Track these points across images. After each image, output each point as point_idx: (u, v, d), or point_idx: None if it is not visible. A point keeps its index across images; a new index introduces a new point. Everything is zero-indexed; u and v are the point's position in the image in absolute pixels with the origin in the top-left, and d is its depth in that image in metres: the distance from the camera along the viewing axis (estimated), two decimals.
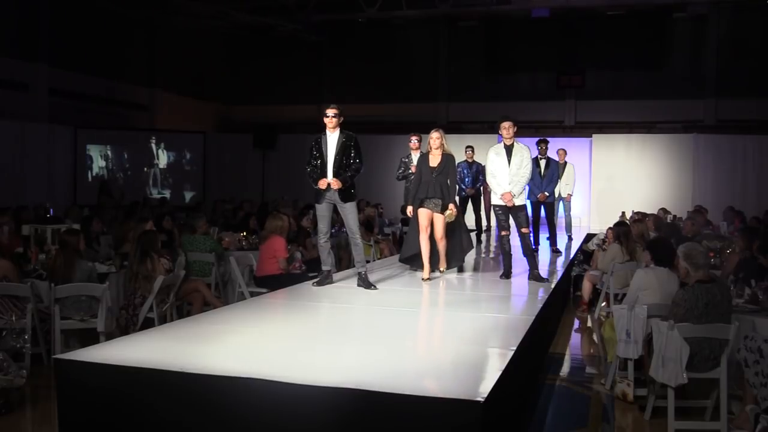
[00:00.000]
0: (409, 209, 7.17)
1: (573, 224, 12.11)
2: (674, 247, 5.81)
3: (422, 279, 6.86)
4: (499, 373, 3.63)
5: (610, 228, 9.79)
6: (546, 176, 9.76)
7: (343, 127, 6.34)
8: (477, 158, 10.79)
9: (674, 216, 12.50)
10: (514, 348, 4.17)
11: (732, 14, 17.77)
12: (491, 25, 19.19)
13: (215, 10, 16.73)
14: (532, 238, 7.68)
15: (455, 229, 7.22)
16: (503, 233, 7.01)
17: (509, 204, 6.79)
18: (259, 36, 19.50)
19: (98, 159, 16.72)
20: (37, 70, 15.08)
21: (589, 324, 8.66)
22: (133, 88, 18.07)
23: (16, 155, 14.21)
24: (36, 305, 6.15)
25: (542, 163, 9.82)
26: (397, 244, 11.12)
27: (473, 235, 11.18)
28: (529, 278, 7.01)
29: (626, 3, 16.75)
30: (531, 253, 7.05)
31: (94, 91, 16.69)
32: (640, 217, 10.56)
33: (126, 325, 6.53)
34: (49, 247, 7.72)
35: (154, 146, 17.63)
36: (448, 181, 6.87)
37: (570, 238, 11.44)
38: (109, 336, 5.90)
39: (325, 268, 6.56)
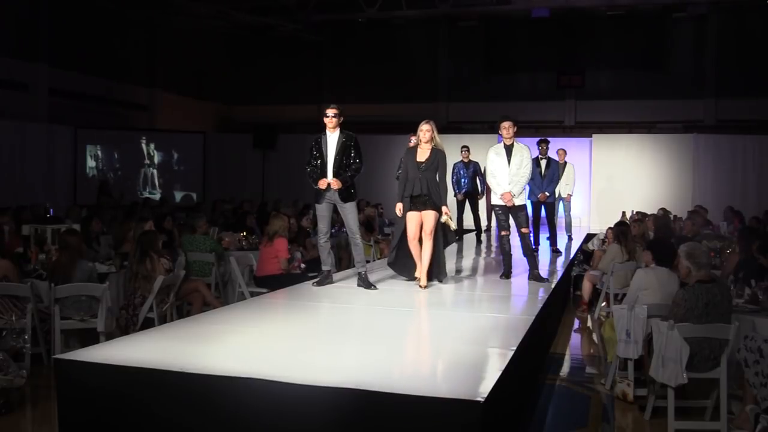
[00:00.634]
0: (399, 206, 6.52)
1: (573, 224, 12.11)
2: (675, 247, 5.82)
3: (420, 287, 6.39)
4: (499, 373, 3.63)
5: (610, 228, 9.80)
6: (546, 176, 9.76)
7: (343, 127, 6.34)
8: (477, 158, 10.76)
9: (674, 216, 12.49)
10: (514, 348, 4.17)
11: (732, 14, 17.76)
12: (491, 25, 19.18)
13: (215, 10, 16.72)
14: (532, 238, 7.67)
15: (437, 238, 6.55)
16: (503, 233, 7.00)
17: (509, 204, 6.78)
18: (259, 36, 19.50)
19: (89, 159, 16.72)
20: (37, 70, 15.08)
21: (589, 324, 8.66)
22: (133, 88, 18.06)
23: (16, 155, 14.21)
24: (36, 305, 6.15)
25: (543, 163, 9.82)
26: None
27: (473, 235, 11.23)
28: (529, 278, 7.01)
29: (626, 3, 16.75)
30: (531, 253, 7.04)
31: (93, 91, 16.68)
32: (640, 217, 10.57)
33: (126, 325, 6.54)
34: (49, 247, 7.72)
35: (144, 146, 17.59)
36: (437, 178, 6.40)
37: (570, 238, 11.45)
38: (109, 336, 5.90)
39: (325, 268, 6.56)
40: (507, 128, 6.82)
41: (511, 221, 6.91)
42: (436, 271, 6.63)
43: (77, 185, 16.08)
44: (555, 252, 9.73)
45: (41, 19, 15.19)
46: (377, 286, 6.41)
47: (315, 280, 6.64)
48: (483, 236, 11.47)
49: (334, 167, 6.25)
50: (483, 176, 10.38)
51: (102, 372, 3.71)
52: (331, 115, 6.25)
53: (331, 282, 6.55)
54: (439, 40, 19.95)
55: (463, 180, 10.72)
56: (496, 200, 6.93)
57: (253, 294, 7.39)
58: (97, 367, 3.74)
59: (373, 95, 19.51)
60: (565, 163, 11.23)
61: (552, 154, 10.26)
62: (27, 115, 14.76)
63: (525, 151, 6.86)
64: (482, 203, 11.61)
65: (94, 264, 6.97)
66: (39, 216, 10.99)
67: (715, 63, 18.10)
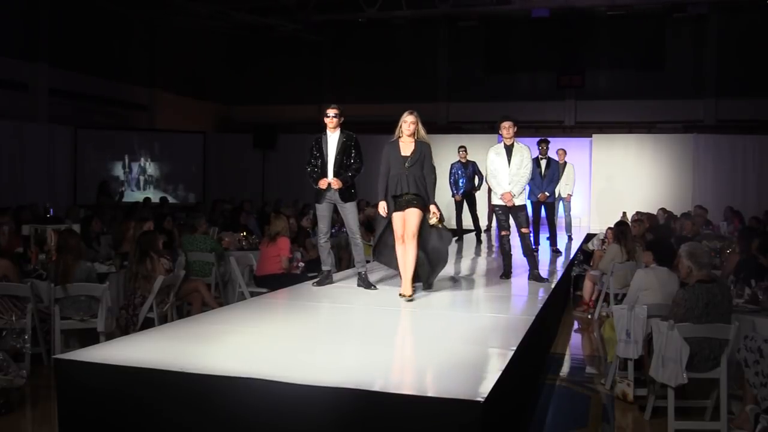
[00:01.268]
0: (382, 205, 5.99)
1: (573, 224, 12.12)
2: (675, 247, 5.82)
3: (400, 295, 5.77)
4: (499, 373, 3.63)
5: (610, 228, 9.81)
6: (546, 176, 9.76)
7: (343, 127, 6.35)
8: (477, 159, 10.75)
9: (680, 215, 12.47)
10: (514, 348, 4.17)
11: (732, 14, 17.76)
12: (491, 25, 19.18)
13: (215, 10, 16.72)
14: (532, 238, 7.67)
15: (429, 238, 6.05)
16: (503, 233, 7.00)
17: (509, 204, 6.78)
18: (260, 36, 19.50)
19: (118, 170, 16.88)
20: (37, 70, 15.08)
21: (589, 324, 8.67)
22: (133, 88, 18.06)
23: (16, 155, 14.21)
24: (36, 305, 6.15)
25: (543, 163, 9.82)
26: None
27: (473, 235, 11.23)
28: (529, 278, 7.01)
29: (626, 3, 16.74)
30: (531, 253, 7.04)
31: (94, 91, 16.69)
32: (640, 217, 10.57)
33: (126, 325, 6.54)
34: (49, 247, 7.71)
35: (144, 146, 17.61)
36: (424, 174, 5.92)
37: (570, 238, 11.45)
38: (109, 336, 5.90)
39: (325, 268, 6.56)
40: (507, 128, 6.81)
41: (511, 221, 6.91)
42: (426, 274, 6.16)
43: (77, 185, 16.09)
44: (555, 252, 9.73)
45: (41, 19, 15.19)
46: (377, 286, 6.40)
47: (315, 280, 6.64)
48: (483, 236, 11.48)
49: (334, 167, 6.26)
50: (481, 175, 10.39)
51: (102, 372, 3.71)
52: (331, 115, 6.25)
53: (331, 282, 6.55)
54: (439, 40, 19.95)
55: (461, 180, 10.72)
56: (496, 200, 6.92)
57: (253, 294, 7.39)
58: (97, 367, 3.74)
59: (373, 95, 19.51)
60: (565, 163, 11.24)
61: (552, 154, 10.26)
62: (27, 115, 14.76)
63: (525, 151, 6.86)
64: (481, 203, 11.62)
65: (93, 264, 6.97)
66: (39, 216, 11.00)
67: (715, 63, 18.10)
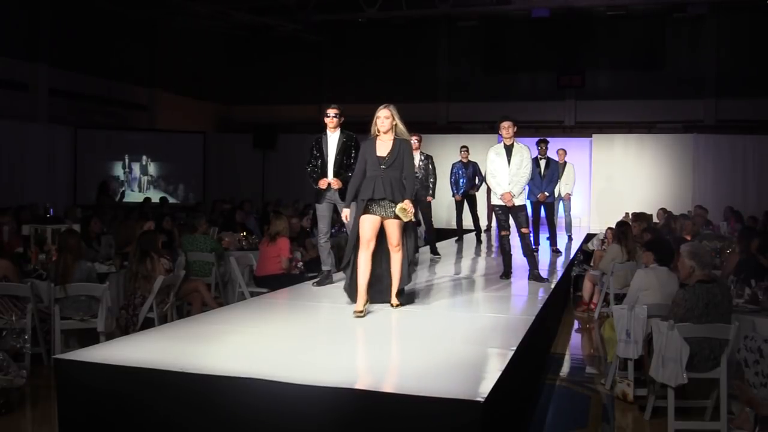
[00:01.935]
0: (345, 212, 5.54)
1: (573, 224, 12.12)
2: (674, 247, 5.82)
3: (354, 313, 5.06)
4: (499, 373, 3.63)
5: (610, 228, 9.81)
6: (546, 176, 9.76)
7: (343, 127, 6.35)
8: (477, 159, 10.75)
9: (680, 215, 12.46)
10: (514, 348, 4.17)
11: (732, 14, 17.77)
12: (491, 25, 19.18)
13: (215, 10, 16.72)
14: (532, 238, 7.67)
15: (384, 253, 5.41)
16: (503, 233, 7.00)
17: (509, 204, 6.78)
18: (259, 36, 19.49)
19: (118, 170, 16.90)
20: (37, 70, 15.08)
21: (589, 324, 8.67)
22: (133, 88, 18.06)
23: (16, 155, 14.21)
24: (36, 305, 6.15)
25: (542, 163, 9.82)
26: None
27: (473, 235, 11.23)
28: (529, 278, 7.00)
29: (626, 3, 16.75)
30: (531, 253, 7.04)
31: (93, 91, 16.68)
32: (638, 218, 10.56)
33: (126, 325, 6.54)
34: (49, 247, 7.72)
35: (144, 146, 17.65)
36: (403, 178, 5.29)
37: (570, 238, 11.45)
38: (109, 336, 5.90)
39: (325, 268, 6.56)
40: (507, 128, 6.80)
41: (511, 221, 6.90)
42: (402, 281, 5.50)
43: (77, 185, 16.09)
44: (555, 252, 9.73)
45: (41, 19, 15.19)
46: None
47: (315, 280, 6.64)
48: (483, 236, 11.48)
49: (334, 167, 6.26)
50: (482, 176, 10.38)
51: (102, 372, 3.71)
52: (331, 115, 6.25)
53: (331, 282, 6.54)
54: (439, 40, 19.94)
55: (461, 180, 10.72)
56: (496, 200, 6.92)
57: (253, 294, 7.39)
58: (97, 367, 3.74)
59: (373, 95, 19.37)
60: (565, 162, 11.25)
61: (551, 154, 10.27)
62: (27, 115, 14.76)
63: (525, 151, 6.86)
64: (481, 203, 11.62)
65: (93, 264, 6.97)
66: (39, 216, 11.01)
67: (715, 63, 18.09)
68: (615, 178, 16.03)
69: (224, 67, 21.05)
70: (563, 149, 11.47)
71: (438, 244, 9.21)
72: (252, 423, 3.48)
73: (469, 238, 11.15)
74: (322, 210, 6.40)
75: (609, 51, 18.70)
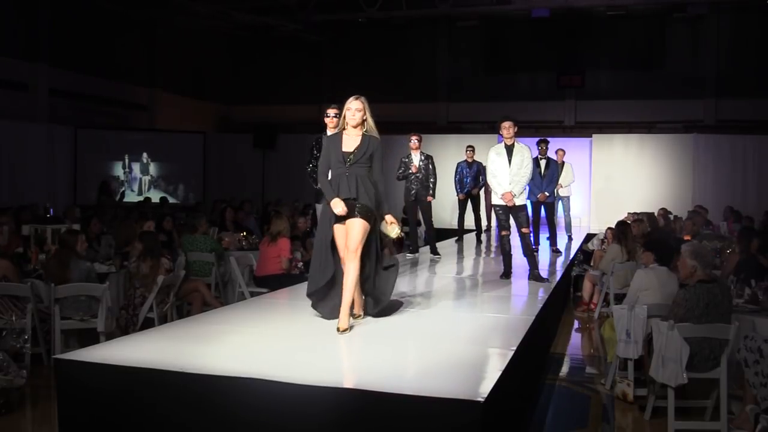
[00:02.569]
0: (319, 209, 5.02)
1: (573, 224, 12.12)
2: (674, 247, 5.82)
3: (338, 329, 4.55)
4: (499, 373, 3.63)
5: (610, 228, 9.81)
6: (546, 176, 9.76)
7: None
8: (477, 159, 10.75)
9: (674, 216, 12.48)
10: (514, 348, 4.17)
11: (732, 14, 17.77)
12: (491, 25, 19.18)
13: (215, 10, 16.72)
14: (532, 238, 7.68)
15: (369, 250, 4.88)
16: (503, 233, 7.00)
17: (510, 204, 6.78)
18: (260, 36, 19.49)
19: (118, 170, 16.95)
20: (37, 70, 15.09)
21: (589, 324, 8.67)
22: (133, 88, 18.06)
23: (16, 155, 14.21)
24: (36, 305, 6.15)
25: (542, 163, 9.82)
26: (397, 245, 11.11)
27: (473, 235, 11.23)
28: (529, 278, 7.01)
29: (626, 3, 16.75)
30: (531, 253, 7.04)
31: (93, 91, 16.69)
32: (639, 217, 10.57)
33: (126, 325, 6.54)
34: (49, 247, 7.72)
35: (144, 145, 17.66)
36: (370, 177, 4.78)
37: (570, 238, 11.45)
38: (109, 336, 5.90)
39: None
40: (507, 128, 6.80)
41: (512, 221, 6.90)
42: (372, 302, 4.99)
43: (77, 185, 16.09)
44: (555, 252, 9.73)
45: (41, 19, 15.19)
46: None
47: None
48: (483, 236, 11.48)
49: None
50: (484, 177, 10.38)
51: (102, 372, 3.71)
52: (332, 115, 6.25)
53: None
54: (439, 40, 19.94)
55: (465, 180, 10.71)
56: (496, 200, 6.92)
57: (253, 294, 7.39)
58: (97, 367, 3.74)
59: (373, 95, 19.20)
60: (563, 162, 11.27)
61: (551, 154, 10.27)
62: (27, 115, 14.76)
63: (525, 151, 6.86)
64: (483, 204, 11.60)
65: (92, 264, 6.97)
66: (39, 216, 11.00)
67: (715, 63, 18.10)
68: (615, 178, 16.02)
69: (224, 67, 21.06)
70: (562, 149, 11.49)
71: (438, 244, 9.20)
72: (252, 423, 3.48)
73: (469, 238, 11.15)
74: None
75: (609, 51, 18.72)
